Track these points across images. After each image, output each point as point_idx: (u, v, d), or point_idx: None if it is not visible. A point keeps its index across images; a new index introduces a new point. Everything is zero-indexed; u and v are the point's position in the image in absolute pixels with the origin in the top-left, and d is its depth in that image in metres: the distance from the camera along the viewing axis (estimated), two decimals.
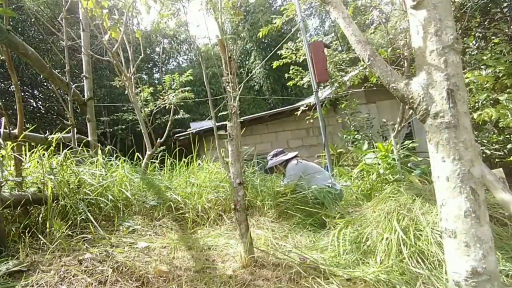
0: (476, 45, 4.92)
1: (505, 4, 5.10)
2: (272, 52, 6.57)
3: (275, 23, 6.03)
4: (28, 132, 2.59)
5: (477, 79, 3.49)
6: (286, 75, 6.79)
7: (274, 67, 6.48)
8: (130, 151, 3.41)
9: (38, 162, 2.33)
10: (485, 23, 4.94)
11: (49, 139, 2.69)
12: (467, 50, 4.90)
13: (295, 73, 6.59)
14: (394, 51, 4.01)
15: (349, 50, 6.14)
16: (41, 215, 1.96)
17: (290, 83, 6.76)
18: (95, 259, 1.60)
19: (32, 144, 2.46)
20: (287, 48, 6.34)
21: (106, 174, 2.63)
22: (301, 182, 3.08)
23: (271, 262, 1.82)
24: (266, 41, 15.51)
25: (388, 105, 7.90)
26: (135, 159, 3.48)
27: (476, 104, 4.07)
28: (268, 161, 3.60)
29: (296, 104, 8.71)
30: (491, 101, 3.93)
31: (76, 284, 1.42)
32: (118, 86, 5.63)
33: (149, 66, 15.85)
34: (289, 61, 6.32)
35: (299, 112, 6.17)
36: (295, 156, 3.52)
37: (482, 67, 4.02)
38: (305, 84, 6.53)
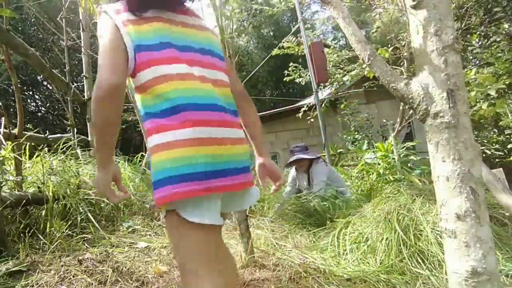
0: (480, 43, 4.90)
1: (505, 3, 5.09)
2: (275, 50, 6.57)
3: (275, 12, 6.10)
4: (29, 132, 2.60)
5: (478, 78, 3.49)
6: (286, 72, 6.79)
7: (273, 54, 6.46)
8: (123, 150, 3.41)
9: (38, 162, 2.33)
10: (487, 21, 4.93)
11: (49, 139, 2.69)
12: (468, 48, 4.89)
13: (294, 70, 6.58)
14: (395, 51, 4.00)
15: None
16: (41, 215, 1.96)
17: (286, 79, 6.74)
18: (95, 259, 1.60)
19: (32, 144, 2.46)
20: (288, 42, 6.34)
21: None
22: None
23: (271, 262, 1.82)
24: (269, 40, 15.50)
25: (388, 105, 7.90)
26: (135, 159, 3.48)
27: (477, 104, 4.07)
28: (294, 153, 3.32)
29: (297, 104, 8.71)
30: (490, 100, 3.93)
31: (76, 284, 1.42)
32: None
33: None
34: (292, 52, 6.29)
35: (300, 114, 6.15)
36: (318, 157, 3.35)
37: (483, 66, 4.01)
38: (302, 81, 6.53)
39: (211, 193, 0.83)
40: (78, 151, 2.92)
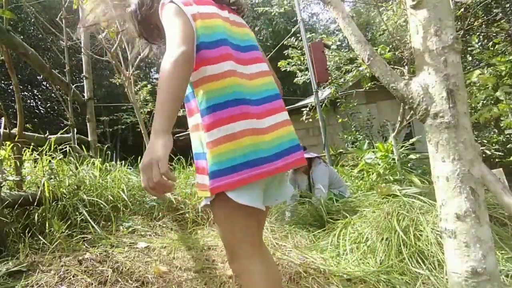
0: (479, 44, 4.90)
1: (507, 5, 5.09)
2: (274, 50, 6.55)
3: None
4: (28, 132, 2.59)
5: (479, 79, 3.48)
6: (288, 65, 6.56)
7: (279, 65, 6.35)
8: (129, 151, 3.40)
9: (37, 162, 2.33)
10: (487, 22, 4.92)
11: (49, 139, 2.69)
12: (469, 49, 4.89)
13: (294, 64, 6.42)
14: (395, 52, 4.00)
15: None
16: (41, 216, 1.96)
17: (287, 68, 6.45)
18: (95, 259, 1.60)
19: (32, 144, 2.46)
20: (292, 47, 6.25)
21: (106, 175, 2.63)
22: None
23: None
24: (266, 42, 15.50)
25: (388, 105, 7.90)
26: (135, 159, 3.48)
27: (478, 105, 4.07)
28: None
29: (297, 104, 8.70)
30: (492, 101, 3.93)
31: (76, 284, 1.42)
32: (118, 84, 5.65)
33: (148, 65, 15.80)
34: (297, 62, 6.21)
35: (304, 117, 6.07)
36: (318, 157, 3.27)
37: (484, 67, 4.01)
38: (300, 78, 6.41)
39: (261, 179, 0.90)
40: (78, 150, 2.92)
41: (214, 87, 0.90)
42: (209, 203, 0.94)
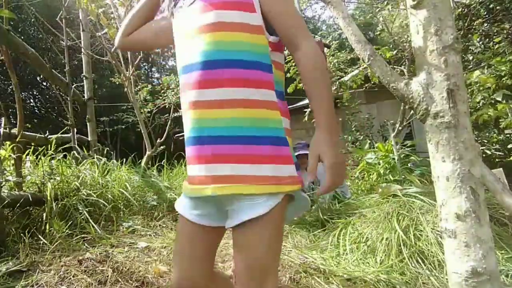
0: (480, 43, 4.88)
1: (509, 4, 5.06)
2: None
3: None
4: (28, 132, 2.59)
5: (479, 79, 3.48)
6: (288, 74, 6.66)
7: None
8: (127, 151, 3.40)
9: (37, 162, 2.33)
10: (489, 22, 4.89)
11: (49, 139, 2.69)
12: (470, 48, 4.87)
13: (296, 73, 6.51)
14: (396, 51, 4.00)
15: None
16: (41, 215, 1.95)
17: (290, 89, 6.63)
18: (95, 259, 1.60)
19: (32, 144, 2.46)
20: None
21: (106, 175, 2.63)
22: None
23: None
24: None
25: (389, 105, 7.88)
26: (135, 159, 3.48)
27: (478, 105, 4.06)
28: (297, 150, 3.24)
29: (297, 104, 8.69)
30: (491, 101, 3.92)
31: (76, 284, 1.42)
32: (117, 83, 5.66)
33: (148, 64, 15.76)
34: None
35: (305, 118, 6.03)
36: None
37: (484, 66, 4.01)
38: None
39: None
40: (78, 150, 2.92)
41: (281, 75, 0.84)
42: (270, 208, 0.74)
